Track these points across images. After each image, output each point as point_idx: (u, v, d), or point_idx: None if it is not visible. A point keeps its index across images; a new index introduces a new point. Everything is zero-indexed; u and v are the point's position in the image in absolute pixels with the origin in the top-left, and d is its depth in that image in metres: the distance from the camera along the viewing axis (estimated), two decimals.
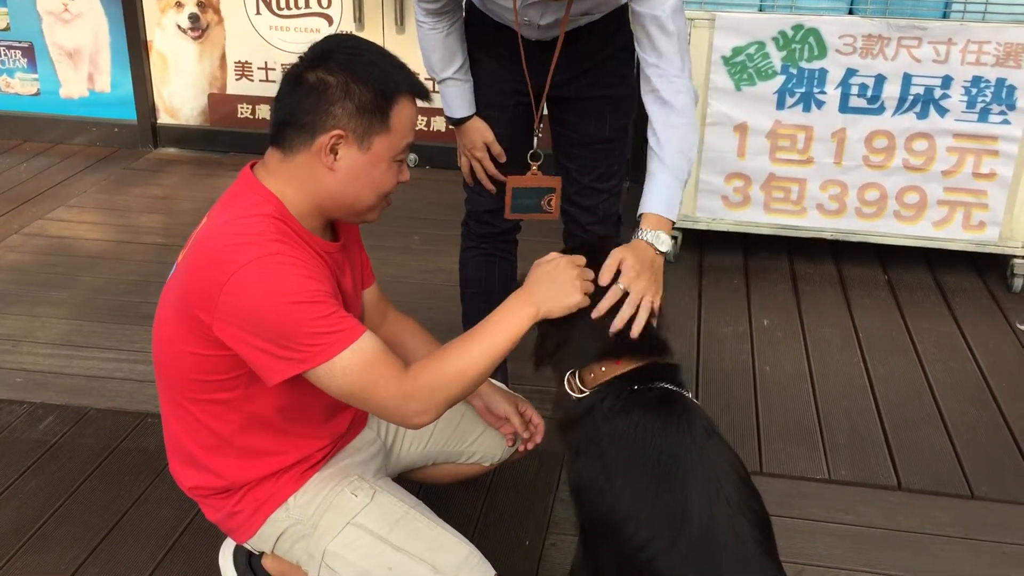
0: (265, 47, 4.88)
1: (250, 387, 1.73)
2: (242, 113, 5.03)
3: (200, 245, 1.72)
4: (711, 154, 3.73)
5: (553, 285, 1.80)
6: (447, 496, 2.50)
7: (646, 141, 2.20)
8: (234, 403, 1.79)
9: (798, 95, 3.61)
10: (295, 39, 4.83)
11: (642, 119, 2.28)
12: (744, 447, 2.76)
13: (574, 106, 2.53)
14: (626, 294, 1.88)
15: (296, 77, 1.73)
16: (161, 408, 1.89)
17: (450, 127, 2.54)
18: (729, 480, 1.81)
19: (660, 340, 1.94)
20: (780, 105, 3.64)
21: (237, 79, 4.97)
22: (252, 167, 1.81)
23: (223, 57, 4.95)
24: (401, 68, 1.78)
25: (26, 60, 5.16)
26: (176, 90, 5.06)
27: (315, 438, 1.89)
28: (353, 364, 1.65)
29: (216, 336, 1.67)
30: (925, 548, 2.39)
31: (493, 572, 1.82)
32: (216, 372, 1.74)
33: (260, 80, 4.96)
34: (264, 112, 4.98)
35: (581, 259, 1.88)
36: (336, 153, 1.72)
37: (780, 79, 3.60)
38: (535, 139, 2.57)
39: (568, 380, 1.92)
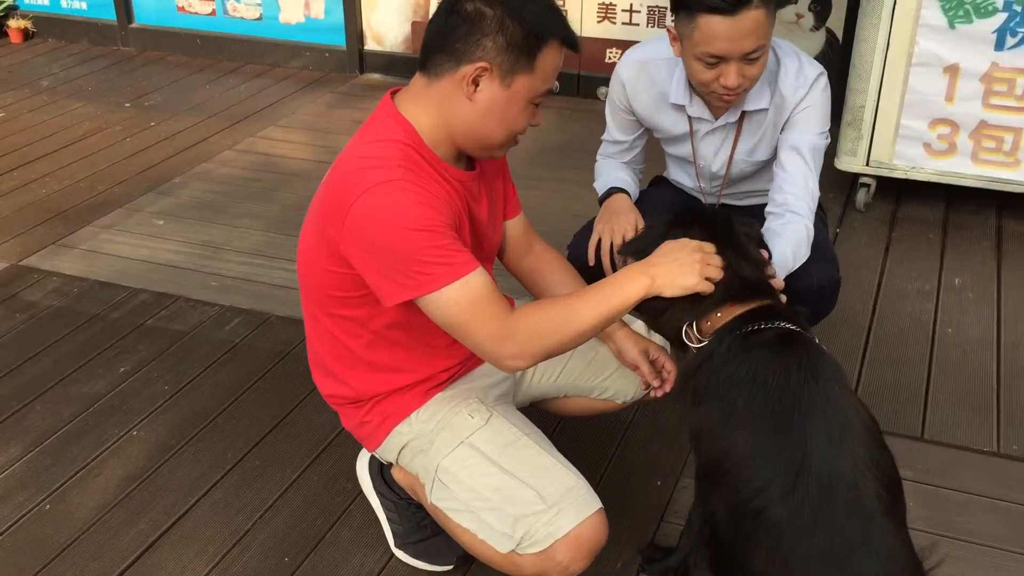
0: None
1: (376, 306, 1.80)
2: None
3: (336, 167, 1.79)
4: (914, 97, 3.47)
5: (674, 264, 1.77)
6: (585, 428, 2.53)
7: None
8: (362, 320, 1.87)
9: (1021, 35, 3.28)
10: None
11: None
12: (907, 409, 2.61)
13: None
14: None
15: (453, 4, 1.74)
16: (304, 320, 2.01)
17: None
18: (855, 432, 1.73)
19: (771, 287, 1.88)
20: (999, 45, 3.32)
21: None
22: (393, 94, 1.86)
23: None
24: (557, 12, 1.77)
25: None
26: (383, 17, 5.23)
27: (442, 358, 1.95)
28: (459, 298, 1.68)
29: (343, 254, 1.75)
30: None
31: (598, 505, 1.82)
32: (346, 289, 1.82)
33: None
34: None
35: (711, 246, 1.83)
36: (478, 84, 1.73)
37: (1001, 16, 3.28)
38: None
39: (686, 332, 1.88)
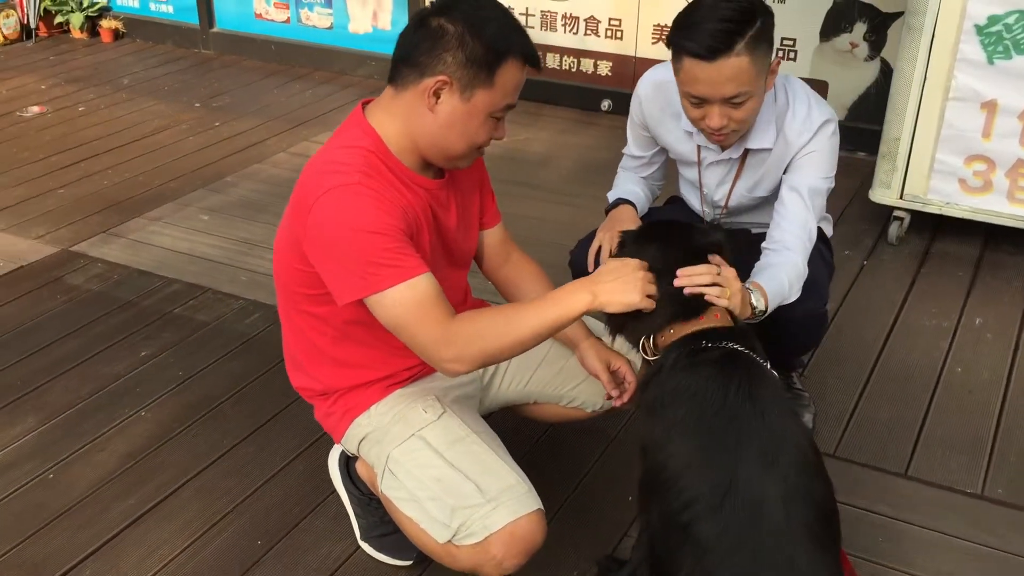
0: None
1: (327, 306, 1.89)
2: None
3: (305, 169, 1.89)
4: (951, 132, 3.41)
5: (617, 282, 1.81)
6: (569, 439, 2.57)
7: None
8: (326, 317, 1.96)
9: None
10: None
11: None
12: (896, 445, 2.58)
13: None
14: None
15: (421, 20, 1.83)
16: (279, 316, 2.11)
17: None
18: (788, 457, 1.74)
19: (731, 312, 1.89)
20: None
21: None
22: (364, 104, 1.95)
23: None
24: (518, 31, 1.84)
25: None
26: None
27: (402, 356, 2.02)
28: (404, 299, 1.76)
29: (305, 252, 1.84)
30: None
31: (537, 506, 1.87)
32: (311, 286, 1.91)
33: (571, 32, 5.09)
34: None
35: (646, 265, 1.87)
36: (438, 97, 1.81)
37: None
38: None
39: (644, 344, 1.93)
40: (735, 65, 2.03)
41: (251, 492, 2.45)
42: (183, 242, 3.75)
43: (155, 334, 3.13)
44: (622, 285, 1.81)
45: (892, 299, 3.29)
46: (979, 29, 3.26)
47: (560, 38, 5.03)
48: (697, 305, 1.87)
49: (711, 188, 2.49)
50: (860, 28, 4.39)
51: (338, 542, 2.28)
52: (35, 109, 5.24)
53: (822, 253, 2.53)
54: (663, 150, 2.59)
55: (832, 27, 4.44)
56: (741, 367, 1.82)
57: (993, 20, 3.23)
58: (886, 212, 3.71)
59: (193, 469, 2.53)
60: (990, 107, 3.34)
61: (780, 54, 4.55)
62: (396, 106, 1.87)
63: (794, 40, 4.53)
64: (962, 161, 3.45)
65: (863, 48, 4.41)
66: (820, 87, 4.51)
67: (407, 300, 1.76)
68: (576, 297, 1.80)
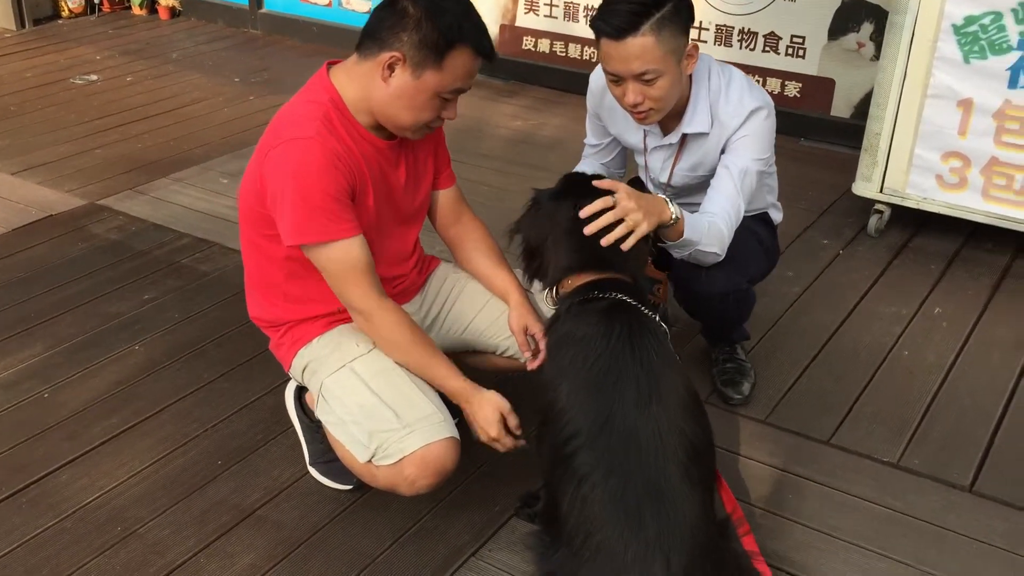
0: None
1: (280, 245, 2.12)
2: (526, 45, 5.43)
3: (272, 119, 2.12)
4: (929, 128, 3.51)
5: (478, 414, 2.10)
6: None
7: None
8: (275, 256, 2.19)
9: None
10: None
11: None
12: (826, 416, 2.71)
13: None
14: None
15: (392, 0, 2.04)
16: (241, 248, 2.34)
17: None
18: (663, 400, 1.91)
19: (628, 260, 2.06)
20: (1013, 83, 3.33)
21: (526, 12, 5.37)
22: (329, 65, 2.16)
23: None
24: (473, 22, 2.04)
25: None
26: None
27: None
28: (337, 257, 2.03)
29: (261, 193, 2.07)
30: (957, 549, 2.26)
31: (450, 434, 2.08)
32: (266, 227, 2.14)
33: (545, 16, 5.30)
34: (544, 46, 5.34)
35: (507, 407, 2.13)
36: (392, 70, 2.02)
37: (1015, 55, 3.29)
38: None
39: (548, 294, 2.12)
40: (641, 44, 2.20)
41: (220, 420, 2.69)
42: (200, 201, 4.03)
43: (160, 280, 3.40)
44: (483, 419, 2.10)
45: (858, 287, 3.40)
46: (956, 29, 3.36)
47: (582, 29, 5.20)
48: (593, 258, 2.05)
49: (656, 171, 2.66)
50: (867, 28, 4.48)
51: (290, 467, 2.51)
52: (89, 77, 5.59)
53: (760, 237, 2.67)
54: (617, 139, 2.75)
55: (840, 26, 4.54)
56: (625, 316, 1.99)
57: (970, 20, 3.33)
58: (871, 206, 3.82)
59: (172, 398, 2.78)
60: (966, 105, 3.43)
61: (789, 51, 4.66)
62: (357, 71, 2.08)
63: (803, 38, 4.63)
64: (939, 157, 3.54)
65: (869, 48, 4.50)
66: (827, 85, 4.61)
67: (339, 258, 2.02)
68: (454, 390, 2.13)
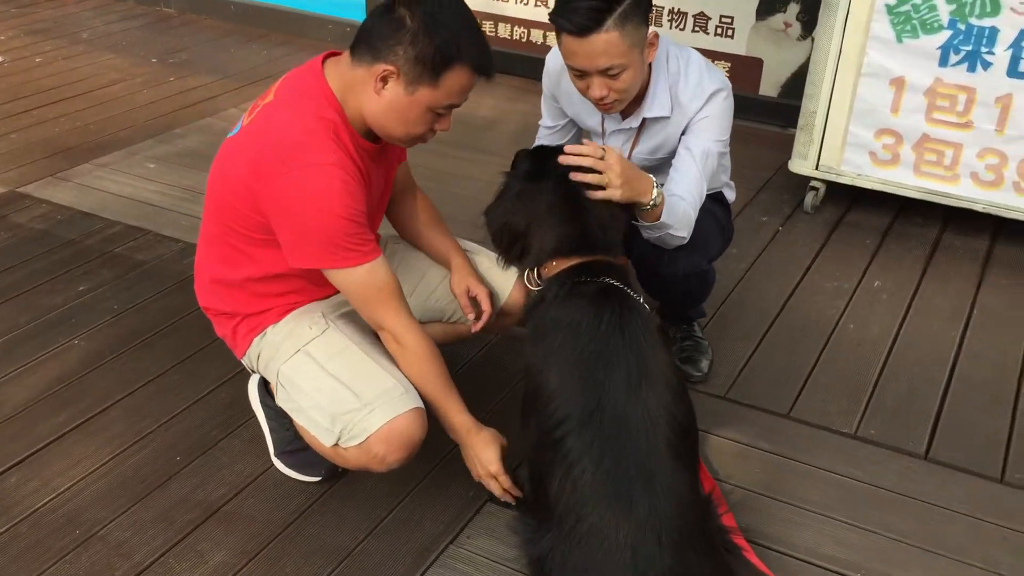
0: None
1: (266, 249, 2.06)
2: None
3: (268, 123, 2.00)
4: (863, 106, 3.60)
5: (475, 460, 2.13)
6: (503, 357, 2.73)
7: None
8: (255, 257, 2.13)
9: (963, 53, 3.39)
10: None
11: None
12: (782, 389, 2.76)
13: None
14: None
15: (391, 5, 1.96)
16: (200, 235, 2.25)
17: None
18: (653, 383, 1.92)
19: (612, 243, 2.06)
20: (943, 62, 3.43)
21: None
22: (325, 59, 2.07)
23: None
24: (473, 38, 1.97)
25: None
26: None
27: (320, 290, 2.21)
28: (362, 280, 1.99)
29: (260, 206, 1.99)
30: (920, 515, 2.33)
31: (413, 405, 2.06)
32: (257, 231, 2.07)
33: (522, 3, 5.21)
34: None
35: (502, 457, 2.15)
36: (385, 83, 1.96)
37: (946, 34, 3.39)
38: None
39: (528, 275, 2.10)
40: (605, 40, 2.19)
41: (174, 415, 2.60)
42: (128, 187, 3.87)
43: (94, 271, 3.26)
44: (477, 461, 2.11)
45: (800, 263, 3.48)
46: (889, 8, 3.44)
47: (513, 8, 5.15)
48: (580, 242, 2.04)
49: None
50: (794, 8, 4.56)
51: (253, 460, 2.44)
52: None
53: (716, 216, 2.70)
54: (573, 121, 2.74)
55: (767, 7, 4.61)
56: (614, 300, 1.99)
57: (902, 0, 3.42)
58: (806, 183, 3.90)
59: (120, 393, 2.67)
60: (898, 83, 3.53)
61: (718, 31, 4.72)
62: (351, 77, 2.00)
63: (732, 18, 4.69)
64: (872, 134, 3.64)
65: (796, 28, 4.58)
66: (755, 65, 4.68)
67: (365, 282, 1.98)
68: (459, 430, 2.13)
